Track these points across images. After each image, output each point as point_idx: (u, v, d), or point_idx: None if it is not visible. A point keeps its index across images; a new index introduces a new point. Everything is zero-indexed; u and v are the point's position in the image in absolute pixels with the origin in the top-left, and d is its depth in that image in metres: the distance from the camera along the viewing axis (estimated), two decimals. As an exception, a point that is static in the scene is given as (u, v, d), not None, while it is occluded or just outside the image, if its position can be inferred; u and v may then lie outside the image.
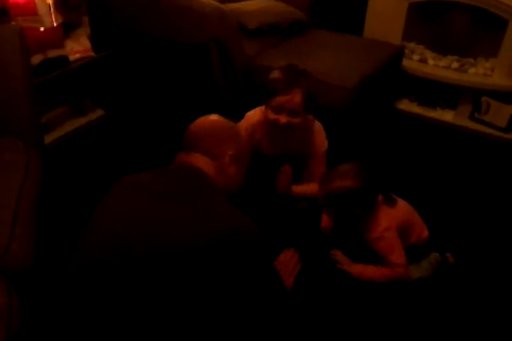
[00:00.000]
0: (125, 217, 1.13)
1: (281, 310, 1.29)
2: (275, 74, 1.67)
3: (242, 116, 1.84)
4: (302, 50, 2.36)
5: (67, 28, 2.35)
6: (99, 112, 2.58)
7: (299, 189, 1.84)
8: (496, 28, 2.39)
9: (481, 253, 1.79)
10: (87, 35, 2.38)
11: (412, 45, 2.74)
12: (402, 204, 1.63)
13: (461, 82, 2.53)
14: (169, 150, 1.44)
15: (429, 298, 1.60)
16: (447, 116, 2.68)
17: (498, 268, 1.73)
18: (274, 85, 1.64)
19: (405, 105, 2.77)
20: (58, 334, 1.06)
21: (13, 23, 2.09)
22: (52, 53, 2.21)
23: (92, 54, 2.35)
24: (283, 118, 1.66)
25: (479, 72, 2.53)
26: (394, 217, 1.56)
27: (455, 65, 2.58)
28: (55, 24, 2.17)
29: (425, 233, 1.66)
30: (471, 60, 2.61)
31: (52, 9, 2.14)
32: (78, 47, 2.33)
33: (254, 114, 1.83)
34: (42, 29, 2.15)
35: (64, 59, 2.24)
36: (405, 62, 2.61)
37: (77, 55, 2.31)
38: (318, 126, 1.83)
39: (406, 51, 2.64)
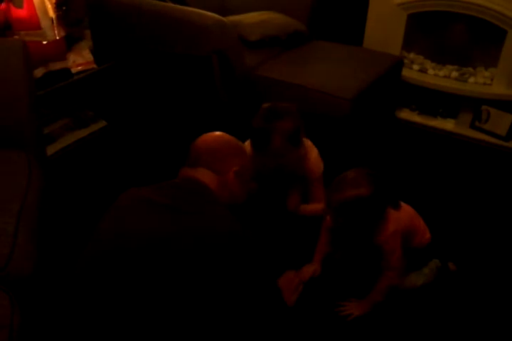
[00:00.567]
0: (129, 226, 1.18)
1: (276, 315, 1.32)
2: (254, 120, 1.64)
3: (243, 128, 1.84)
4: (302, 61, 2.38)
5: (70, 42, 2.37)
6: (102, 124, 2.59)
7: (308, 209, 1.85)
8: (495, 38, 2.40)
9: (482, 261, 1.79)
10: (90, 48, 2.41)
11: (411, 55, 2.75)
12: (406, 208, 1.63)
13: (461, 91, 2.54)
14: (171, 161, 1.45)
15: (431, 304, 1.61)
16: (448, 124, 2.69)
17: (499, 276, 1.73)
18: (253, 133, 1.64)
19: (406, 114, 2.78)
20: (58, 335, 1.12)
21: (16, 37, 2.12)
22: (55, 66, 2.24)
23: (94, 66, 2.38)
24: (270, 163, 1.66)
25: (479, 82, 2.55)
26: (401, 221, 1.56)
27: (455, 74, 2.60)
28: (57, 37, 2.20)
29: (427, 235, 1.67)
30: (471, 70, 2.62)
31: (54, 23, 2.18)
32: (80, 60, 2.35)
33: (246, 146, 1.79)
34: (45, 42, 2.18)
35: (66, 71, 2.27)
36: (405, 72, 2.62)
37: (80, 68, 2.33)
38: (311, 150, 1.79)
39: (406, 61, 2.66)
